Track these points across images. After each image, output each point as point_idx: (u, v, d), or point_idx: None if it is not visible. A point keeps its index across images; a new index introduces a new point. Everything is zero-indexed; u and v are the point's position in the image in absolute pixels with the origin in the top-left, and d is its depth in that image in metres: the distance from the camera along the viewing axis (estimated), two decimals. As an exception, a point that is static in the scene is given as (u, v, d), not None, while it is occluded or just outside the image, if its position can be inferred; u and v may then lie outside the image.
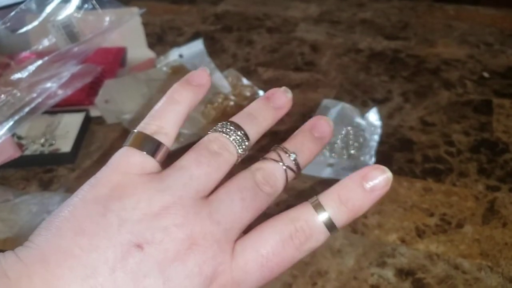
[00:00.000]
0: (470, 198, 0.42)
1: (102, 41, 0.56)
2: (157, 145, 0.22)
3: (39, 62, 0.49)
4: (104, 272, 0.18)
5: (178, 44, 0.68)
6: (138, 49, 0.63)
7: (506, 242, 0.38)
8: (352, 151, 0.47)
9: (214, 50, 0.67)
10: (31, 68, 0.49)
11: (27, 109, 0.46)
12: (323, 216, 0.21)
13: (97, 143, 0.51)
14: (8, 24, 0.53)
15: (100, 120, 0.54)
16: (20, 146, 0.49)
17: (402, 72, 0.61)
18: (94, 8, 0.56)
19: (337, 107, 0.53)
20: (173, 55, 0.64)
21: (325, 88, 0.58)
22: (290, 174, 0.22)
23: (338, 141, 0.48)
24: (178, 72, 0.58)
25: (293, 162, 0.23)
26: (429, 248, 0.38)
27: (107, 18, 0.57)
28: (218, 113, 0.52)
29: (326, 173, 0.45)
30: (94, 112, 0.54)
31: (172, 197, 0.20)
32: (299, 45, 0.68)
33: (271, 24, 0.75)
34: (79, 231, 0.18)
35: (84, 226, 0.19)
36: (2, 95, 0.47)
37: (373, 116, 0.52)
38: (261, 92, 0.56)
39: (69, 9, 0.55)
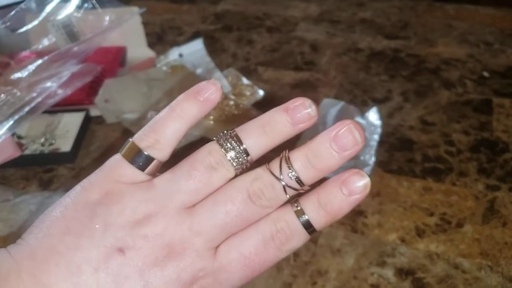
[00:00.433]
0: (470, 197, 0.42)
1: (102, 40, 0.56)
2: (149, 160, 0.22)
3: (39, 61, 0.50)
4: (87, 271, 0.19)
5: (178, 44, 0.68)
6: (138, 49, 0.63)
7: (506, 242, 0.38)
8: (352, 151, 0.47)
9: (214, 49, 0.67)
10: (31, 67, 0.49)
11: (27, 109, 0.46)
12: (302, 218, 0.21)
13: (97, 143, 0.51)
14: (8, 23, 0.53)
15: (100, 120, 0.54)
16: (20, 146, 0.49)
17: (402, 72, 0.61)
18: (94, 7, 0.56)
19: (337, 107, 0.53)
20: (173, 55, 0.64)
21: (325, 88, 0.58)
22: (290, 191, 0.21)
23: (338, 141, 0.48)
24: (178, 71, 0.58)
25: (296, 177, 0.21)
26: (429, 248, 0.38)
27: (107, 18, 0.57)
28: (218, 113, 0.52)
29: (326, 172, 0.45)
30: (94, 112, 0.54)
31: (155, 207, 0.21)
32: (299, 45, 0.68)
33: (271, 24, 0.75)
34: (66, 231, 0.20)
35: (72, 226, 0.20)
36: (2, 95, 0.47)
37: (373, 116, 0.52)
38: (261, 92, 0.56)
39: (69, 8, 0.55)
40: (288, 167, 0.21)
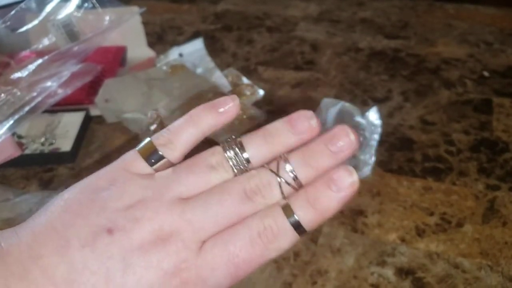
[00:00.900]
0: (470, 197, 0.42)
1: (102, 40, 0.56)
2: (160, 158, 0.23)
3: (39, 61, 0.50)
4: (75, 246, 0.20)
5: (178, 43, 0.68)
6: (138, 48, 0.63)
7: (506, 241, 0.38)
8: (352, 150, 0.47)
9: (214, 49, 0.67)
10: (31, 67, 0.49)
11: (27, 108, 0.46)
12: (291, 217, 0.21)
13: (97, 143, 0.51)
14: (8, 23, 0.53)
15: (100, 119, 0.54)
16: (20, 145, 0.49)
17: (402, 71, 0.61)
18: (94, 7, 0.56)
19: (337, 106, 0.53)
20: (173, 54, 0.64)
21: (325, 87, 0.58)
22: (287, 188, 0.22)
23: (338, 140, 0.48)
24: (178, 71, 0.58)
25: (291, 177, 0.22)
26: (429, 247, 0.38)
27: (107, 17, 0.57)
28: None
29: (326, 172, 0.45)
30: (94, 111, 0.54)
31: (153, 193, 0.22)
32: (299, 44, 0.68)
33: (271, 23, 0.75)
34: (65, 210, 0.21)
35: (72, 207, 0.21)
36: (2, 94, 0.47)
37: (373, 115, 0.52)
38: (261, 91, 0.56)
39: (69, 8, 0.55)
40: (286, 165, 0.22)
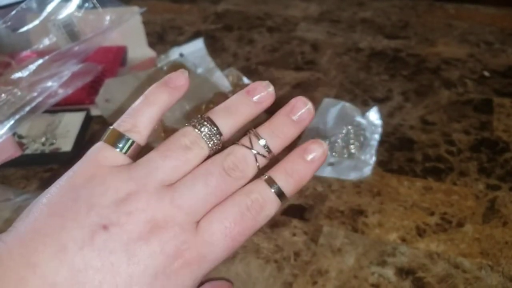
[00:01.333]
0: (470, 197, 0.42)
1: (102, 40, 0.56)
2: (129, 142, 0.24)
3: (40, 61, 0.50)
4: (73, 249, 0.20)
5: (178, 43, 0.68)
6: (139, 48, 0.63)
7: (507, 241, 0.38)
8: (353, 150, 0.47)
9: (214, 49, 0.67)
10: (32, 67, 0.49)
11: (27, 108, 0.46)
12: (273, 188, 0.24)
13: (98, 142, 0.51)
14: (9, 23, 0.53)
15: (100, 119, 0.54)
16: (21, 145, 0.49)
17: (403, 71, 0.61)
18: (94, 7, 0.56)
19: (338, 106, 0.53)
20: (174, 54, 0.64)
21: (326, 87, 0.58)
22: (261, 159, 0.24)
23: (339, 140, 0.48)
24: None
25: (264, 148, 0.24)
26: (430, 247, 0.38)
27: (108, 17, 0.57)
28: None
29: (327, 172, 0.45)
30: (94, 111, 0.54)
31: (136, 185, 0.22)
32: (300, 44, 0.68)
33: (271, 24, 0.75)
34: (51, 214, 0.21)
35: (57, 209, 0.21)
36: (3, 94, 0.47)
37: (373, 115, 0.52)
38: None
39: (70, 8, 0.55)
40: (257, 138, 0.24)
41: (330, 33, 0.71)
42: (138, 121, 0.24)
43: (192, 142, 0.23)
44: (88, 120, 0.54)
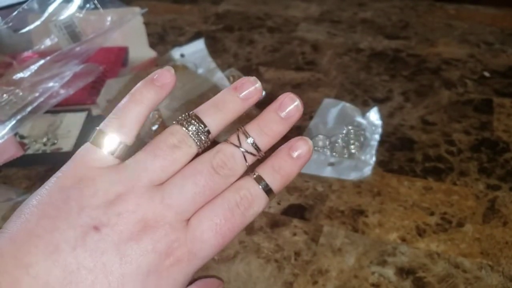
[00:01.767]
0: (470, 197, 0.42)
1: (103, 40, 0.56)
2: (116, 143, 0.23)
3: (41, 61, 0.50)
4: (65, 249, 0.20)
5: (179, 44, 0.69)
6: (140, 49, 0.64)
7: (507, 241, 0.38)
8: (353, 151, 0.47)
9: (215, 49, 0.68)
10: (33, 67, 0.49)
11: (29, 109, 0.46)
12: (261, 184, 0.24)
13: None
14: (11, 23, 0.53)
15: (102, 120, 0.54)
16: (22, 145, 0.49)
17: (403, 72, 0.61)
18: (96, 8, 0.56)
19: (338, 107, 0.53)
20: (175, 55, 0.64)
21: (326, 88, 0.59)
22: (250, 157, 0.24)
23: (339, 141, 0.48)
24: (180, 71, 0.59)
25: (252, 145, 0.24)
26: (430, 247, 0.38)
27: (109, 18, 0.57)
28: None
29: (327, 172, 0.45)
30: (96, 112, 0.55)
31: (126, 187, 0.22)
32: (300, 45, 0.69)
33: (272, 24, 0.75)
34: (42, 215, 0.21)
35: (48, 211, 0.21)
36: (5, 95, 0.47)
37: (373, 116, 0.52)
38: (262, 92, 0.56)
39: (71, 9, 0.56)
40: (245, 136, 0.24)
41: (330, 33, 0.71)
42: (124, 121, 0.24)
43: (180, 140, 0.23)
44: (90, 120, 0.54)
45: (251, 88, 0.25)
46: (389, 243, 0.38)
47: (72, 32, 0.56)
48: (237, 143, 0.24)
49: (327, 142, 0.48)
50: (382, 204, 0.42)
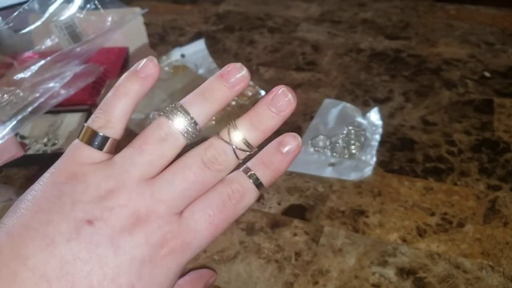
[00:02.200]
0: (471, 197, 0.42)
1: (104, 41, 0.56)
2: (104, 139, 0.24)
3: (42, 62, 0.50)
4: (61, 241, 0.21)
5: (180, 44, 0.69)
6: (141, 49, 0.64)
7: (507, 242, 0.38)
8: (354, 151, 0.47)
9: (215, 50, 0.68)
10: (34, 68, 0.49)
11: (30, 109, 0.46)
12: (252, 178, 0.24)
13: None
14: (11, 24, 0.53)
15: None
16: (23, 146, 0.49)
17: (403, 72, 0.61)
18: (96, 8, 0.56)
19: (339, 107, 0.54)
20: (175, 55, 0.64)
21: (327, 88, 0.59)
22: (240, 153, 0.24)
23: (340, 141, 0.48)
24: (180, 72, 0.59)
25: (243, 141, 0.24)
26: (430, 248, 0.38)
27: (109, 18, 0.57)
28: (220, 113, 0.52)
29: (328, 172, 0.45)
30: (96, 112, 0.55)
31: (116, 182, 0.22)
32: (301, 45, 0.69)
33: (272, 24, 0.75)
34: (38, 210, 0.22)
35: (42, 205, 0.22)
36: (5, 95, 0.47)
37: (374, 116, 0.52)
38: (262, 92, 0.56)
39: (72, 9, 0.56)
40: (236, 132, 0.24)
41: (331, 33, 0.71)
42: (111, 116, 0.24)
43: (166, 133, 0.23)
44: (90, 120, 0.54)
45: (238, 75, 0.24)
46: (390, 244, 0.38)
47: (72, 32, 0.56)
48: (227, 138, 0.24)
49: (328, 143, 0.48)
50: (382, 204, 0.42)
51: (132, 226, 0.22)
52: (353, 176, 0.45)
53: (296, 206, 0.42)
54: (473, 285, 0.35)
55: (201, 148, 0.24)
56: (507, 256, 0.37)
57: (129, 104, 0.24)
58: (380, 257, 0.37)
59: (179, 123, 0.23)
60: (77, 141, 0.24)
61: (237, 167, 0.25)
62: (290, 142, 0.25)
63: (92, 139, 0.24)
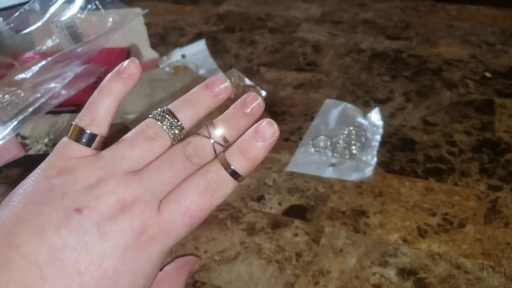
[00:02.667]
0: (472, 197, 0.42)
1: (105, 41, 0.56)
2: (91, 136, 0.26)
3: (43, 62, 0.50)
4: (51, 230, 0.22)
5: (180, 45, 0.69)
6: (141, 50, 0.64)
7: (508, 242, 0.38)
8: (354, 151, 0.47)
9: (216, 50, 0.68)
10: (35, 68, 0.49)
11: (31, 109, 0.46)
12: (228, 168, 0.25)
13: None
14: (12, 24, 0.53)
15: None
16: (24, 146, 0.49)
17: (404, 72, 0.61)
18: (97, 8, 0.56)
19: (339, 107, 0.54)
20: (176, 56, 0.64)
21: (327, 88, 0.59)
22: (218, 147, 0.26)
23: (340, 141, 0.48)
24: (181, 72, 0.59)
25: (221, 137, 0.26)
26: (431, 248, 0.38)
27: (110, 19, 0.57)
28: (221, 113, 0.52)
29: (328, 172, 0.46)
30: (97, 112, 0.55)
31: (105, 172, 0.24)
32: (301, 45, 0.69)
33: (273, 25, 0.75)
34: (29, 202, 0.23)
35: (33, 198, 0.23)
36: (6, 95, 0.47)
37: (375, 116, 0.52)
38: (263, 92, 0.56)
39: (73, 9, 0.56)
40: (215, 129, 0.26)
41: (331, 34, 0.71)
42: (96, 115, 0.26)
43: (155, 133, 0.26)
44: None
45: (222, 86, 0.27)
46: (391, 244, 0.38)
47: (73, 33, 0.56)
48: (207, 134, 0.26)
49: (329, 143, 0.48)
50: (383, 204, 0.42)
51: (118, 213, 0.23)
52: (354, 177, 0.45)
53: (296, 207, 0.42)
54: (474, 285, 0.35)
55: (182, 144, 0.26)
56: (508, 257, 0.37)
57: (112, 103, 0.26)
58: (381, 257, 0.37)
59: (167, 125, 0.26)
60: (65, 138, 0.26)
61: (214, 158, 0.26)
62: (266, 129, 0.26)
63: (80, 136, 0.25)
